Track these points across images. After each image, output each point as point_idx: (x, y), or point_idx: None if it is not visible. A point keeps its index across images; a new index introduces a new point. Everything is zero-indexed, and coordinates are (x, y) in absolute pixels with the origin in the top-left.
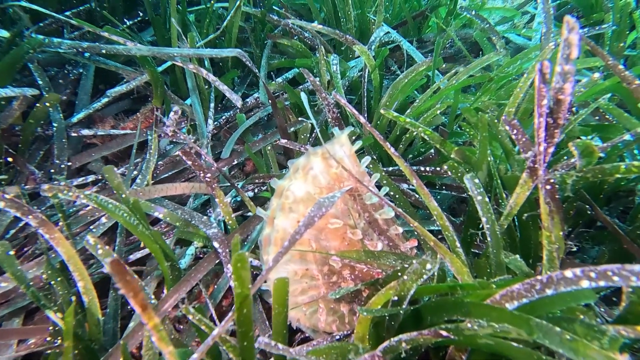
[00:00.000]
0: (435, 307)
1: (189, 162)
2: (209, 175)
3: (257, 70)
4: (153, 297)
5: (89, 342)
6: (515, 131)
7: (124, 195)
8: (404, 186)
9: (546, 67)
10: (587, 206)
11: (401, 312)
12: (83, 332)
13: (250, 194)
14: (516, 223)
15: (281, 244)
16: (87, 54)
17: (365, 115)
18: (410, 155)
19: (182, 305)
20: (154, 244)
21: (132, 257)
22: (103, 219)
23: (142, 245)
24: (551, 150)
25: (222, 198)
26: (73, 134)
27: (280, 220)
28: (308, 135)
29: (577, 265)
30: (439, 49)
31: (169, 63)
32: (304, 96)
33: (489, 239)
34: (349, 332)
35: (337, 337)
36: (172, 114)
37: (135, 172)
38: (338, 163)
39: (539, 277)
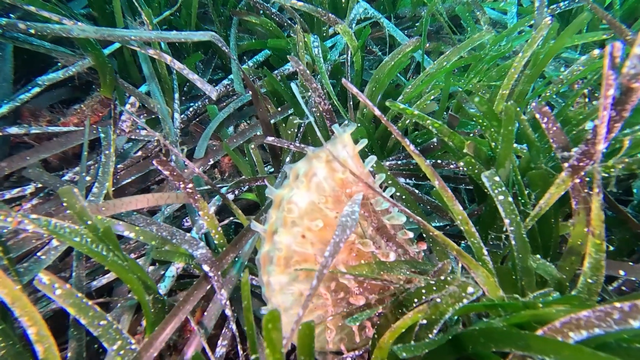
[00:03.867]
0: (481, 336)
1: (166, 173)
2: (190, 185)
3: (234, 57)
4: (129, 337)
5: None
6: (546, 120)
7: (89, 222)
8: (401, 180)
9: (617, 50)
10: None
11: (435, 338)
12: None
13: (230, 196)
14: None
15: (285, 263)
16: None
17: (351, 102)
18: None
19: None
20: (130, 274)
21: (96, 284)
22: (54, 242)
23: (106, 267)
24: (603, 147)
25: (207, 210)
26: None
27: (283, 237)
28: (296, 131)
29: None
30: (426, 27)
31: (116, 45)
32: (294, 87)
33: (513, 242)
34: (361, 352)
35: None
36: (127, 106)
37: (88, 178)
38: (344, 167)
39: (617, 305)
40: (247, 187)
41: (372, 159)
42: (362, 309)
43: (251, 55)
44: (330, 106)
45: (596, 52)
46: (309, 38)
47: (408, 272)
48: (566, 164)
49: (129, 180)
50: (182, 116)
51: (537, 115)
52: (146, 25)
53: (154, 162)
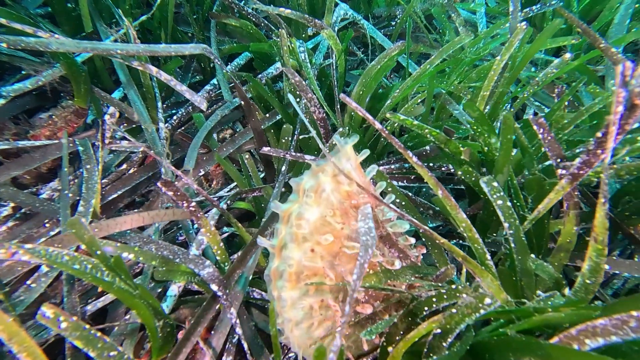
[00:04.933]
0: (500, 345)
1: (170, 194)
2: (193, 203)
3: (224, 68)
4: None
5: None
6: (542, 130)
7: (98, 252)
8: (394, 184)
9: (628, 69)
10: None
11: (455, 350)
12: None
13: (223, 206)
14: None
15: (296, 278)
16: None
17: (338, 106)
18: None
19: None
20: (137, 300)
21: (91, 308)
22: (43, 268)
23: (99, 289)
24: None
25: (209, 227)
26: None
27: (294, 252)
28: (290, 139)
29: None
30: (409, 30)
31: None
32: (292, 99)
33: (512, 245)
34: (369, 359)
35: None
36: (107, 117)
37: (70, 195)
38: (350, 180)
39: (633, 313)
40: (239, 197)
41: (374, 168)
42: (371, 318)
43: (230, 57)
44: (324, 114)
45: (567, 55)
46: (294, 42)
47: (412, 278)
48: (560, 171)
49: (114, 196)
50: (166, 125)
51: (535, 127)
52: (133, 38)
53: (158, 184)
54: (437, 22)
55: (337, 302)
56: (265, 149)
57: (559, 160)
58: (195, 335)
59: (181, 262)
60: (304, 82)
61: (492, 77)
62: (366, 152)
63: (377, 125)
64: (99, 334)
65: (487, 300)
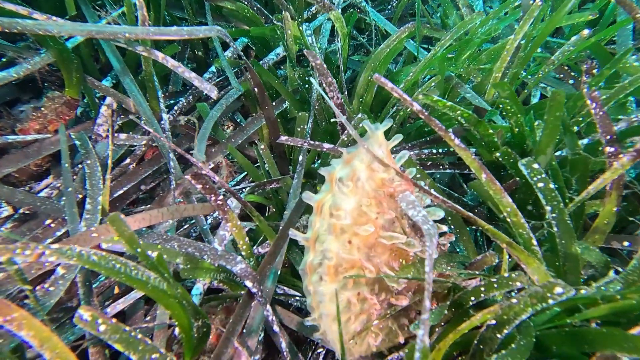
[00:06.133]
0: (571, 337)
1: (199, 187)
2: (220, 197)
3: (241, 53)
4: None
5: None
6: (595, 105)
7: (139, 250)
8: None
9: None
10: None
11: (522, 343)
12: None
13: (234, 200)
14: None
15: (334, 272)
16: None
17: (346, 93)
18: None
19: None
20: (173, 300)
21: (110, 311)
22: (59, 270)
23: (116, 291)
24: None
25: (236, 222)
26: None
27: (332, 245)
28: (306, 127)
29: None
30: (418, 11)
31: (79, 38)
32: (315, 83)
33: (555, 229)
34: (405, 352)
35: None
36: (104, 108)
37: (79, 195)
38: (387, 167)
39: None
40: (249, 189)
41: (405, 154)
42: (406, 310)
43: (224, 44)
44: (342, 100)
45: (585, 32)
46: (295, 27)
47: (448, 267)
48: (609, 148)
49: (120, 192)
50: (167, 116)
51: (588, 101)
52: (144, 20)
53: (189, 177)
54: (433, 3)
55: (374, 295)
56: (284, 138)
57: (608, 137)
58: (234, 335)
59: (210, 259)
60: (324, 66)
61: (504, 58)
62: (399, 137)
63: (416, 107)
64: (140, 335)
65: (558, 290)
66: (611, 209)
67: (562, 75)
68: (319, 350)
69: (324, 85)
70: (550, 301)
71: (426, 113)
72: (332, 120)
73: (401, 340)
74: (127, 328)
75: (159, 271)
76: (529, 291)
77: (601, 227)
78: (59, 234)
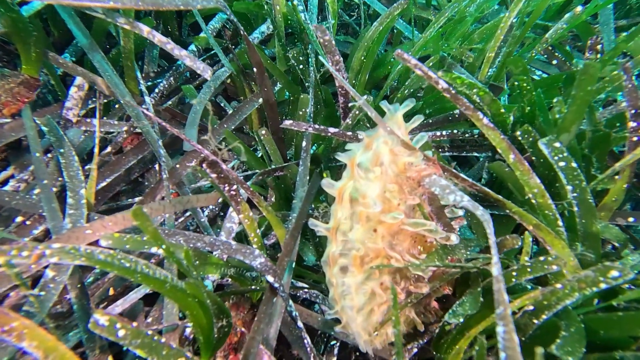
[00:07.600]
0: (622, 322)
1: (213, 176)
2: (234, 187)
3: (242, 30)
4: None
5: None
6: (626, 77)
7: (164, 246)
8: None
9: None
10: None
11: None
12: None
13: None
14: None
15: (360, 262)
16: None
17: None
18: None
19: None
20: (192, 300)
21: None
22: (48, 272)
23: (111, 292)
24: None
25: (248, 213)
26: None
27: (358, 234)
28: (307, 111)
29: None
30: None
31: (36, 5)
32: (325, 61)
33: (575, 208)
34: (425, 340)
35: None
36: (73, 89)
37: (53, 189)
38: (412, 150)
39: None
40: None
41: (423, 137)
42: (427, 297)
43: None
44: (347, 80)
45: (579, 8)
46: (283, 1)
47: (467, 253)
48: (632, 123)
49: (103, 184)
50: (149, 98)
51: (621, 72)
52: None
53: (204, 165)
54: None
55: (396, 283)
56: (288, 123)
57: (633, 110)
58: (260, 333)
59: (224, 254)
60: (332, 42)
61: (498, 37)
62: (420, 118)
63: (442, 85)
64: (163, 339)
65: (614, 273)
66: (622, 185)
67: (546, 56)
68: (331, 342)
69: (332, 63)
70: (602, 285)
71: (454, 91)
72: (350, 104)
73: (421, 328)
74: (150, 332)
75: (186, 269)
76: (579, 275)
77: (609, 205)
78: (36, 232)
